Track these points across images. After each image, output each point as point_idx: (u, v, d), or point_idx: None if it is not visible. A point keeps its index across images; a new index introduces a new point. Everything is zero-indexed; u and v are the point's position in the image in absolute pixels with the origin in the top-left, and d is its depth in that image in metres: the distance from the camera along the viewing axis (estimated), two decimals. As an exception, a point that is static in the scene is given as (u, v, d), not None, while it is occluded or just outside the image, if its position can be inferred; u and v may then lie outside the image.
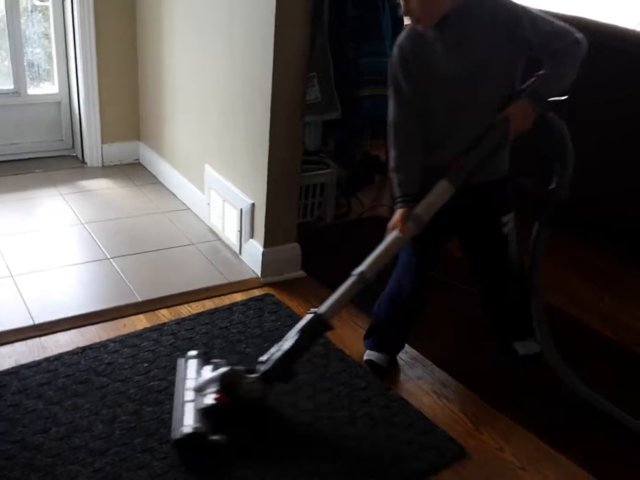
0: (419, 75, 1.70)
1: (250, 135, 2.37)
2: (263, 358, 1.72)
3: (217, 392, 1.67)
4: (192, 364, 1.84)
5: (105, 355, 1.95)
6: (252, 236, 2.48)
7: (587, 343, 2.25)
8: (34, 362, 1.90)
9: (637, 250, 2.77)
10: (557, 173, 1.79)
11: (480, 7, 1.65)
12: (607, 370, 2.11)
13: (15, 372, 1.85)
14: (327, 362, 2.01)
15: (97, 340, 2.02)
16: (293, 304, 2.30)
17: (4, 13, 3.08)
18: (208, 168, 2.72)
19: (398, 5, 2.54)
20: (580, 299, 2.50)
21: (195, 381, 1.76)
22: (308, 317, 1.73)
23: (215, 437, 1.61)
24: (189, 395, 1.72)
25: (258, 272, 2.45)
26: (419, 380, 2.00)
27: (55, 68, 3.26)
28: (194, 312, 2.20)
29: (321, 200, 2.88)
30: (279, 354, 1.69)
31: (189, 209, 2.95)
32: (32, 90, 3.27)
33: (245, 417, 1.72)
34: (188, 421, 1.63)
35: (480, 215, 1.87)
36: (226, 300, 2.30)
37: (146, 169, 3.35)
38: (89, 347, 1.98)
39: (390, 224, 1.76)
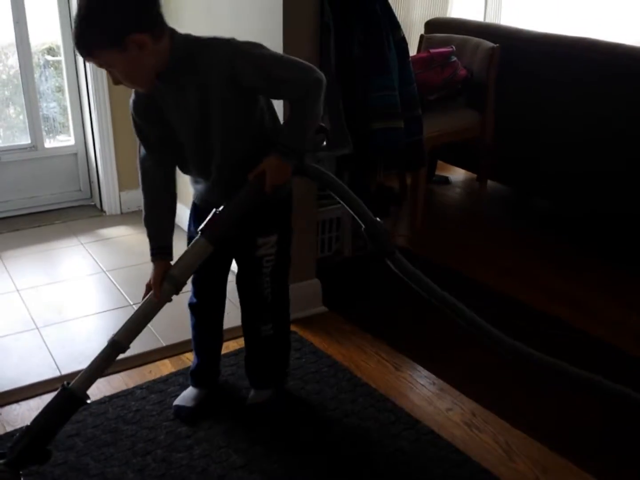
0: (160, 122, 1.60)
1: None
2: (11, 444, 1.55)
3: None
4: None
5: (133, 403, 1.96)
6: (272, 274, 2.48)
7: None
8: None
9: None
10: (353, 214, 1.68)
11: (199, 53, 1.51)
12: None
13: (45, 424, 1.86)
14: (354, 397, 2.00)
15: (124, 387, 2.03)
16: (316, 340, 2.29)
17: (18, 69, 3.16)
18: (225, 209, 2.74)
19: (403, 39, 2.58)
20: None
21: None
22: (57, 392, 1.57)
23: None
24: None
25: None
26: (449, 411, 1.97)
27: (70, 120, 3.33)
28: (227, 351, 2.20)
29: (338, 234, 2.88)
30: (26, 439, 1.53)
31: (207, 250, 2.97)
32: (48, 144, 3.34)
33: None
34: None
35: (237, 236, 1.70)
36: (250, 340, 2.29)
37: (164, 213, 3.37)
38: (116, 396, 1.99)
39: (148, 282, 1.63)
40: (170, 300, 1.62)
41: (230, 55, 1.49)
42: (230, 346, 2.25)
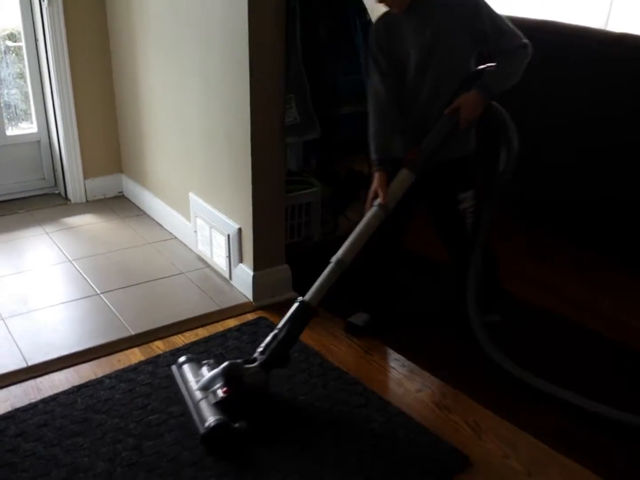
0: (394, 51, 1.93)
1: (233, 160, 2.38)
2: (260, 349, 1.84)
3: (224, 385, 1.76)
4: (187, 368, 1.91)
5: (102, 392, 1.94)
6: (241, 261, 2.48)
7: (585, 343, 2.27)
8: (30, 404, 1.88)
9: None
10: (503, 157, 1.98)
11: None
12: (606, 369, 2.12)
13: (12, 416, 1.83)
14: (325, 381, 2.00)
15: (93, 377, 2.00)
16: (287, 326, 2.29)
17: (-23, 56, 3.09)
18: (192, 196, 2.72)
19: (369, 22, 2.57)
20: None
21: (197, 382, 1.84)
22: (295, 305, 1.86)
23: (236, 425, 1.70)
24: (198, 395, 1.80)
25: (250, 296, 2.44)
26: (419, 392, 1.99)
27: (32, 107, 3.26)
28: (188, 341, 2.19)
29: (308, 219, 2.88)
30: (274, 343, 1.82)
31: (176, 238, 2.95)
32: (10, 131, 3.27)
33: (253, 404, 1.81)
34: (208, 416, 1.71)
35: (439, 190, 2.06)
36: (220, 327, 2.29)
37: (130, 201, 3.34)
38: (85, 385, 1.96)
39: (371, 191, 1.95)
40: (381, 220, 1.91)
41: (475, 2, 1.84)
42: (199, 333, 2.24)
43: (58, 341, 2.19)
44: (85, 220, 3.13)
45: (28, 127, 3.33)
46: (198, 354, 2.11)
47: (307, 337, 2.21)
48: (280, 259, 2.47)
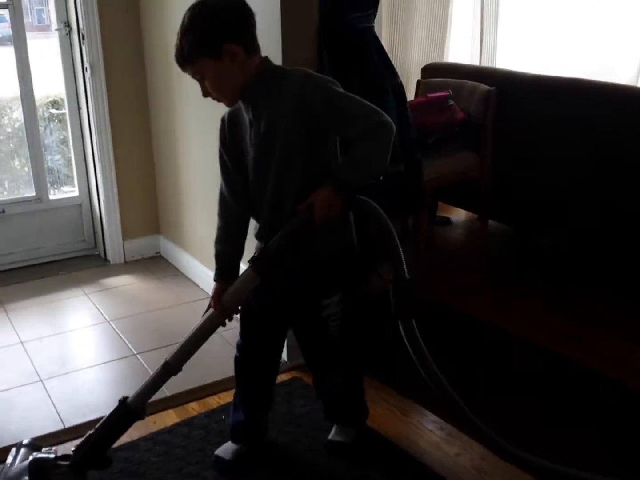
0: (237, 148, 1.69)
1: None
2: (74, 448, 1.69)
3: None
4: (20, 453, 1.72)
5: (137, 455, 1.93)
6: (275, 320, 2.47)
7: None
8: (67, 467, 1.88)
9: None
10: (390, 259, 1.63)
11: (278, 80, 1.60)
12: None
13: (49, 479, 1.83)
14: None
15: (128, 440, 1.99)
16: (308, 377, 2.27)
17: (23, 122, 3.22)
18: (228, 256, 2.75)
19: (400, 85, 2.61)
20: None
21: (13, 471, 1.67)
22: (115, 406, 1.70)
23: None
24: None
25: (285, 355, 2.43)
26: (458, 457, 1.94)
27: (74, 172, 3.37)
28: (223, 402, 2.18)
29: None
30: (87, 445, 1.67)
31: (211, 297, 2.97)
32: (53, 195, 3.38)
33: None
34: None
35: (301, 295, 1.76)
36: (254, 388, 2.27)
37: (167, 261, 3.40)
38: (120, 448, 1.96)
39: (210, 301, 1.73)
40: (224, 324, 1.72)
41: (304, 81, 1.58)
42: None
43: (95, 402, 2.21)
44: (124, 281, 3.18)
45: (70, 191, 3.44)
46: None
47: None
48: (315, 319, 2.46)
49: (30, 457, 1.65)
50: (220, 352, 2.51)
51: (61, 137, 3.43)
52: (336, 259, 1.72)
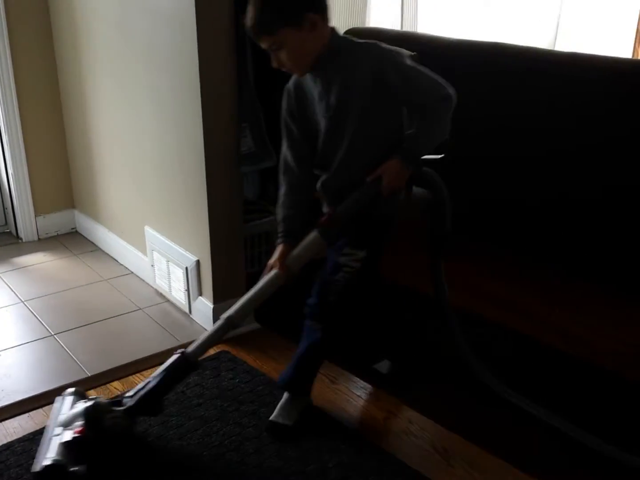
0: (304, 117, 1.74)
1: (189, 192, 2.34)
2: (130, 393, 1.77)
3: (79, 425, 1.67)
4: (68, 400, 1.82)
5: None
6: (200, 294, 2.42)
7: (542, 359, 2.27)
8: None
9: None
10: (438, 225, 1.89)
11: (350, 51, 1.65)
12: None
13: (-38, 468, 1.74)
14: (291, 414, 1.96)
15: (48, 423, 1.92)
16: (250, 359, 2.24)
17: None
18: (148, 229, 2.67)
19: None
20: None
21: (65, 416, 1.75)
22: (174, 357, 1.78)
23: (74, 469, 1.62)
24: (56, 430, 1.72)
25: (210, 329, 2.38)
26: (386, 420, 1.96)
27: (-22, 145, 3.17)
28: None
29: (267, 248, 2.84)
30: (144, 391, 1.75)
31: (132, 273, 2.88)
32: (-44, 170, 3.17)
33: (111, 449, 1.71)
34: (50, 454, 1.64)
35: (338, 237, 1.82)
36: (180, 363, 2.22)
37: (84, 237, 3.26)
38: (40, 432, 1.86)
39: (270, 262, 1.78)
40: (286, 284, 1.75)
41: (380, 53, 1.63)
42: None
43: (11, 386, 2.10)
44: (38, 259, 3.04)
45: (-25, 165, 3.24)
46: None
47: (272, 369, 2.17)
48: (241, 290, 2.41)
49: (82, 403, 1.72)
50: (144, 329, 2.45)
51: (-38, 107, 3.20)
52: (377, 222, 1.80)
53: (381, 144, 1.69)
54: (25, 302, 2.63)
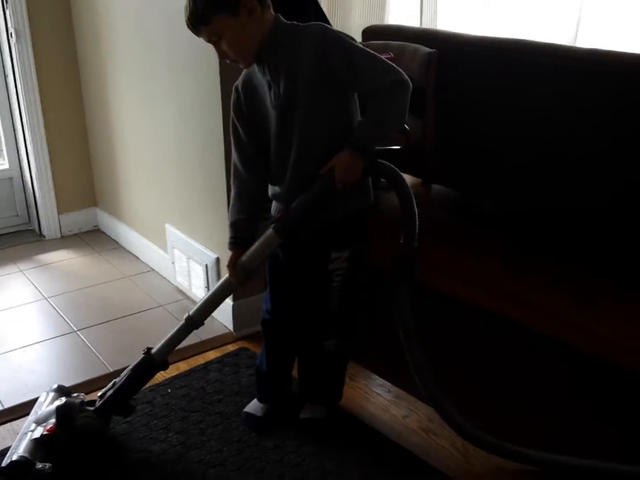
0: (254, 115, 1.65)
1: (209, 190, 2.35)
2: (99, 393, 1.80)
3: (51, 424, 1.71)
4: (50, 397, 1.86)
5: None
6: (220, 291, 2.44)
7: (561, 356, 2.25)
8: (7, 448, 1.81)
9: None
10: (403, 223, 1.69)
11: (295, 36, 1.55)
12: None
13: (-13, 462, 1.77)
14: (310, 411, 1.96)
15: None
16: (269, 355, 2.25)
17: (-54, 93, 3.05)
18: (169, 227, 2.69)
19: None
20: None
21: (41, 413, 1.79)
22: (140, 358, 1.80)
23: (40, 467, 1.64)
24: (31, 426, 1.75)
25: (230, 326, 2.40)
26: (405, 418, 1.96)
27: (3, 144, 3.22)
28: (169, 376, 2.14)
29: (286, 246, 2.85)
30: (110, 391, 1.78)
31: (153, 270, 2.90)
32: (-19, 169, 3.23)
33: (81, 449, 1.74)
34: (19, 450, 1.65)
35: (312, 249, 1.74)
36: (200, 359, 2.24)
37: (106, 234, 3.30)
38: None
39: (227, 264, 1.75)
40: (243, 284, 1.74)
41: (324, 36, 1.53)
42: (180, 367, 2.19)
43: (34, 382, 2.14)
44: (61, 256, 3.08)
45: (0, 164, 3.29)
46: (179, 388, 2.07)
47: (290, 366, 2.17)
48: (260, 287, 2.43)
49: (57, 401, 1.75)
50: (165, 326, 2.44)
51: (-13, 107, 3.25)
52: (351, 218, 1.72)
53: (333, 144, 1.57)
54: (48, 299, 2.67)
